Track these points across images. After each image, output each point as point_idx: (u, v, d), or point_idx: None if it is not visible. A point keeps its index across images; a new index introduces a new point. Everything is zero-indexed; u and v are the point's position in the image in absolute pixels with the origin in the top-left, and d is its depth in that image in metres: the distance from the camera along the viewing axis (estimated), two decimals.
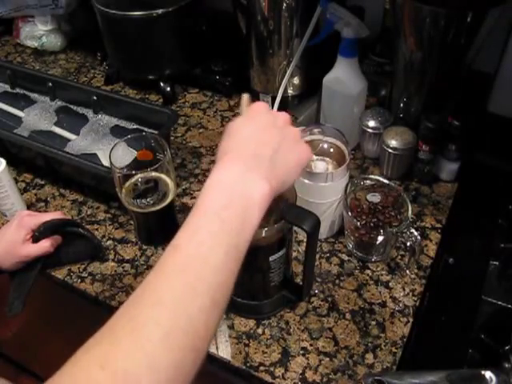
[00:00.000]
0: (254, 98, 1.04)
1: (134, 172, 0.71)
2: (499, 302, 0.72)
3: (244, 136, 0.49)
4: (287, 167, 0.49)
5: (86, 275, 0.77)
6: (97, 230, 0.83)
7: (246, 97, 0.57)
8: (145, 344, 0.36)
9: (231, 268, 0.43)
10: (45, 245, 0.73)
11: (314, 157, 0.75)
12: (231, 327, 0.69)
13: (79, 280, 0.76)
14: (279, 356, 0.66)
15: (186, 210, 0.86)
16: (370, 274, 0.75)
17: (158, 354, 0.36)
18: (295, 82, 0.98)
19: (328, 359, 0.65)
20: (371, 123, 0.87)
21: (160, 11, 0.98)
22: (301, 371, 0.64)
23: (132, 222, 0.83)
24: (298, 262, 0.76)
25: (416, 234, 0.69)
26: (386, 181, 0.76)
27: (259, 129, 0.50)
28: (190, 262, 0.41)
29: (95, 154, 0.94)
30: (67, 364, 0.36)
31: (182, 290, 0.39)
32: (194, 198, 0.88)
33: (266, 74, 0.98)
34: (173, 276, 0.40)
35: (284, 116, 0.52)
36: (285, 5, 0.88)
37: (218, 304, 0.41)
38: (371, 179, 0.78)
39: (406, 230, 0.70)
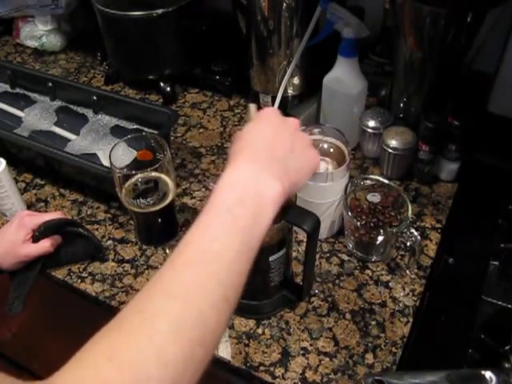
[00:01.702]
0: (255, 98, 1.04)
1: (133, 172, 0.71)
2: (499, 302, 0.72)
3: (256, 138, 0.50)
4: (299, 170, 0.50)
5: (86, 275, 0.77)
6: (97, 229, 0.83)
7: (253, 106, 0.57)
8: (153, 336, 0.36)
9: (243, 265, 0.42)
10: (45, 245, 0.73)
11: None
12: (231, 327, 0.69)
13: (79, 280, 0.76)
14: (279, 356, 0.66)
15: (186, 210, 0.86)
16: (370, 273, 0.75)
17: (167, 346, 0.36)
18: (295, 82, 0.98)
19: (328, 359, 0.65)
20: (371, 123, 0.87)
21: (160, 11, 0.98)
22: (301, 371, 0.64)
23: (132, 222, 0.83)
24: (298, 262, 0.76)
25: (416, 234, 0.69)
26: (386, 181, 0.76)
27: (271, 131, 0.50)
28: (202, 256, 0.41)
29: (95, 154, 0.94)
30: (75, 356, 0.35)
31: (193, 284, 0.39)
32: (194, 198, 0.88)
33: (265, 73, 0.98)
34: (184, 270, 0.40)
35: (294, 121, 0.53)
36: (285, 5, 0.88)
37: (229, 301, 0.40)
38: (371, 179, 0.78)
39: (405, 230, 0.70)
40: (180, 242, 0.42)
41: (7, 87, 1.10)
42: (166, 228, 0.80)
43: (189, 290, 0.39)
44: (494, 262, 0.76)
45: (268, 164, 0.47)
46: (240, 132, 0.51)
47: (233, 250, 0.42)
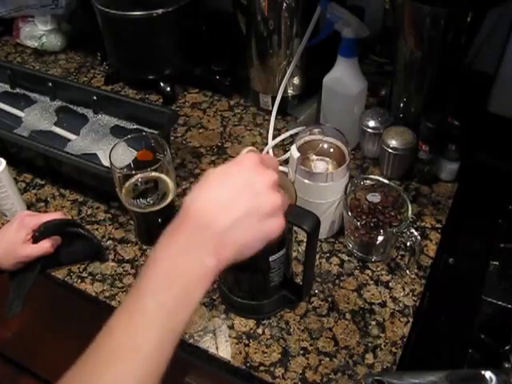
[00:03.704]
0: (255, 98, 1.04)
1: (133, 172, 0.71)
2: (499, 302, 0.72)
3: (211, 195, 0.45)
4: (248, 239, 0.45)
5: (86, 275, 0.77)
6: (97, 230, 0.83)
7: (247, 149, 0.53)
8: None
9: (164, 353, 0.41)
10: (45, 245, 0.73)
11: (314, 157, 0.75)
12: (231, 327, 0.69)
13: (79, 280, 0.76)
14: (279, 356, 0.66)
15: None
16: (370, 274, 0.75)
17: None
18: (295, 82, 0.98)
19: (328, 359, 0.65)
20: (371, 123, 0.87)
21: (160, 11, 0.98)
22: (301, 371, 0.64)
23: (132, 222, 0.83)
24: (298, 262, 0.76)
25: (416, 234, 0.69)
26: (386, 181, 0.76)
27: (232, 189, 0.45)
28: (121, 351, 0.40)
29: (95, 154, 0.94)
30: None
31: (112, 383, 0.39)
32: None
33: (265, 73, 0.98)
34: (103, 368, 0.40)
35: (269, 179, 0.46)
36: (285, 5, 0.88)
37: None
38: (371, 179, 0.78)
39: (405, 230, 0.70)
40: (104, 326, 0.42)
41: (7, 87, 1.10)
42: (166, 228, 0.80)
43: None
44: (494, 262, 0.76)
45: (205, 234, 0.43)
46: (208, 174, 0.47)
47: (154, 340, 0.41)
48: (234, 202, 0.45)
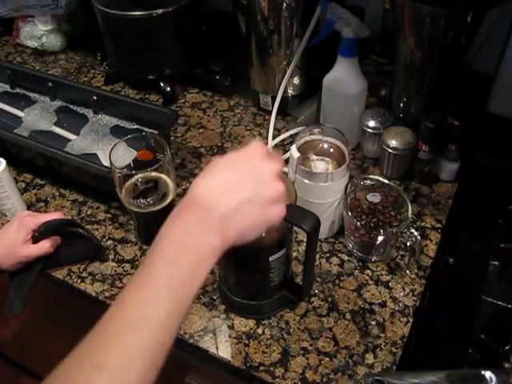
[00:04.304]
0: (255, 98, 1.04)
1: (133, 172, 0.71)
2: (499, 302, 0.72)
3: (218, 179, 0.48)
4: (250, 223, 0.47)
5: (86, 275, 0.77)
6: (97, 229, 0.83)
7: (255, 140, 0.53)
8: None
9: (172, 326, 0.43)
10: (45, 245, 0.73)
11: (314, 157, 0.75)
12: (231, 327, 0.69)
13: (79, 280, 0.76)
14: (279, 356, 0.66)
15: None
16: (370, 273, 0.75)
17: None
18: (295, 82, 0.98)
19: (328, 359, 0.65)
20: (371, 123, 0.87)
21: (160, 11, 0.98)
22: (301, 371, 0.64)
23: (132, 222, 0.83)
24: (298, 262, 0.76)
25: (416, 234, 0.69)
26: (386, 181, 0.76)
27: (239, 175, 0.47)
28: (132, 322, 0.41)
29: (95, 154, 0.94)
30: None
31: (122, 355, 0.39)
32: None
33: (266, 73, 0.98)
34: (113, 339, 0.40)
35: (274, 169, 0.49)
36: (285, 5, 0.88)
37: (155, 365, 0.41)
38: (371, 179, 0.78)
39: (405, 230, 0.70)
40: (116, 298, 0.43)
41: (7, 87, 1.10)
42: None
43: (118, 362, 0.39)
44: (494, 262, 0.76)
45: (212, 214, 0.45)
46: (215, 161, 0.49)
47: (164, 312, 0.42)
48: (240, 186, 0.47)
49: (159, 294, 0.42)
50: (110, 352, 0.39)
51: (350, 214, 0.73)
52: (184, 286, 0.43)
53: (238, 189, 0.47)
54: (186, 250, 0.44)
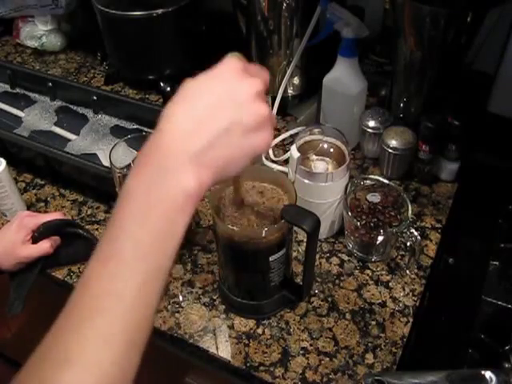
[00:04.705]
0: None
1: None
2: (499, 302, 0.72)
3: (187, 110, 0.40)
4: (230, 156, 0.40)
5: None
6: (97, 230, 0.83)
7: (230, 55, 0.45)
8: None
9: (149, 297, 0.37)
10: (44, 246, 0.73)
11: (314, 157, 0.75)
12: (231, 327, 0.69)
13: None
14: (279, 356, 0.66)
15: None
16: (370, 273, 0.75)
17: None
18: (295, 82, 0.98)
19: (328, 359, 0.65)
20: (371, 123, 0.87)
21: (160, 11, 0.98)
22: (301, 371, 0.64)
23: None
24: (298, 262, 0.76)
25: (416, 234, 0.69)
26: (386, 181, 0.76)
27: (210, 102, 0.40)
28: (100, 303, 0.35)
29: (95, 154, 0.94)
30: None
31: (92, 342, 0.34)
32: None
33: None
34: (81, 326, 0.35)
35: (253, 88, 0.41)
36: (285, 5, 0.88)
37: (135, 345, 0.36)
38: (371, 179, 0.78)
39: (405, 230, 0.70)
40: (80, 279, 0.37)
41: (7, 87, 1.10)
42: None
43: (87, 351, 0.34)
44: (494, 262, 0.76)
45: (186, 156, 0.38)
46: (186, 86, 0.42)
47: (136, 285, 0.36)
48: (213, 116, 0.40)
49: (126, 265, 0.36)
50: (77, 341, 0.34)
51: (349, 213, 0.73)
52: (156, 249, 0.37)
53: (210, 119, 0.39)
54: (154, 202, 0.37)
